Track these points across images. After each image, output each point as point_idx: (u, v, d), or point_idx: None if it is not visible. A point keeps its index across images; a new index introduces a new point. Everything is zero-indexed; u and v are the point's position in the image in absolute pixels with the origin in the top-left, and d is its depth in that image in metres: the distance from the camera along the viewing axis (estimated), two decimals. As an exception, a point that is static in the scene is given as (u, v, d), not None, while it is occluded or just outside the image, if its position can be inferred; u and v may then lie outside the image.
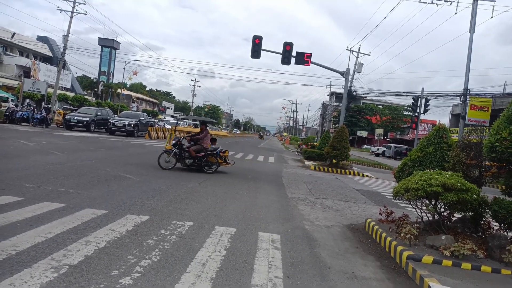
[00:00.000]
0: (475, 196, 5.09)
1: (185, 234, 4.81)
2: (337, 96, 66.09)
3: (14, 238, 3.88)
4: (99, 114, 25.74)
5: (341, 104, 26.91)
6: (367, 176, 17.79)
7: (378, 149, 47.26)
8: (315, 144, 35.64)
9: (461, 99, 21.17)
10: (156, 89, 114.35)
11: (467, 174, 5.83)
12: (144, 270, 3.50)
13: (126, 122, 24.67)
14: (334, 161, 18.49)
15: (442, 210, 5.59)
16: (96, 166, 9.57)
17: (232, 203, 7.26)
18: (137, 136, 25.22)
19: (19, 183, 6.49)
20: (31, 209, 5.00)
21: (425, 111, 23.76)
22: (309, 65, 19.08)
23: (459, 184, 4.99)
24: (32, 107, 25.72)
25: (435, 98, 26.19)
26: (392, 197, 6.61)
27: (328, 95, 59.25)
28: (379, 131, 54.31)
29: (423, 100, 23.69)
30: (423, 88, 23.84)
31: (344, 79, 22.42)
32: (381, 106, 67.91)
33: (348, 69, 23.73)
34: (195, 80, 75.79)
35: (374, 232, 5.99)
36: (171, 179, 9.19)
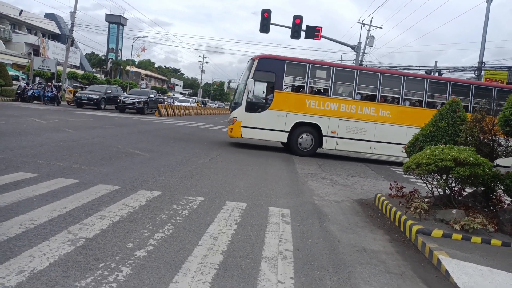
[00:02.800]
0: (487, 170, 5.03)
1: (196, 209, 4.90)
2: (347, 71, 64.79)
3: (31, 212, 4.00)
4: (109, 91, 25.84)
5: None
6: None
7: None
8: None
9: (476, 72, 20.61)
10: (165, 66, 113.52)
11: (480, 148, 5.75)
12: (158, 243, 3.59)
13: (136, 100, 24.76)
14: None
15: (453, 185, 5.56)
16: (108, 143, 9.70)
17: (242, 179, 7.32)
18: (147, 113, 25.33)
19: (34, 159, 6.63)
20: (46, 185, 5.13)
21: (438, 85, 23.26)
22: (320, 39, 18.69)
23: (471, 159, 4.93)
24: (43, 85, 25.96)
25: (449, 71, 25.58)
26: (402, 173, 6.59)
27: (339, 70, 58.24)
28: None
29: (436, 74, 23.18)
30: (436, 62, 23.44)
31: (355, 53, 21.97)
32: (392, 81, 66.53)
33: (360, 43, 23.22)
34: (203, 57, 75.34)
35: (384, 206, 6.01)
36: (181, 155, 9.27)
